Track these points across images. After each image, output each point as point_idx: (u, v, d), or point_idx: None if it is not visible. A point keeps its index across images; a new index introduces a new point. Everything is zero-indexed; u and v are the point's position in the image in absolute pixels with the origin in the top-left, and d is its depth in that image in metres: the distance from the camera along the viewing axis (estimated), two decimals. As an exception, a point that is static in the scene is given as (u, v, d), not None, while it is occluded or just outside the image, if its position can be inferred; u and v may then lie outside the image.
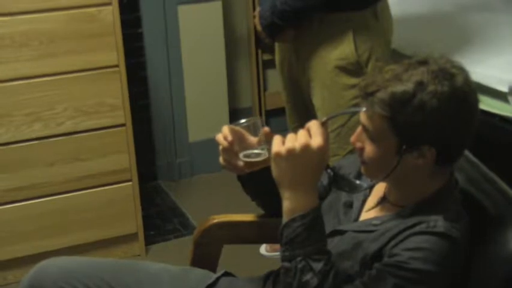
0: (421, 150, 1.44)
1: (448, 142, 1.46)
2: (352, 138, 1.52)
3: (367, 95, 1.45)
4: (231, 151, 1.59)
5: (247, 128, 1.58)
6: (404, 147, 1.44)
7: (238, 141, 1.58)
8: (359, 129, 1.51)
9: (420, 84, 1.41)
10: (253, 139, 1.58)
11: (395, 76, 1.43)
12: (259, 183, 1.70)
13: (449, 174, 1.53)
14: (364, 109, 1.45)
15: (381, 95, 1.42)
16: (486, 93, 2.57)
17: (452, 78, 1.43)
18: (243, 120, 1.59)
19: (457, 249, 1.43)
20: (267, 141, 1.54)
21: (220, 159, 1.62)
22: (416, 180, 1.50)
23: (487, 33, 2.99)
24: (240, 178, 1.72)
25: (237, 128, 1.58)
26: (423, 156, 1.45)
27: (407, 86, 1.41)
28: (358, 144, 1.51)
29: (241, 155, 1.58)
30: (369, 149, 1.49)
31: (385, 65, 1.48)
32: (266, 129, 1.56)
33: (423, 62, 1.45)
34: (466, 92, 1.44)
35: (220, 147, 1.59)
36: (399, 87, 1.41)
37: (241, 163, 1.59)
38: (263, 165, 1.57)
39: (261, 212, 1.86)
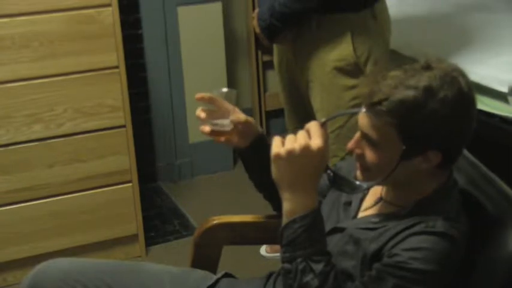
0: (426, 155, 1.44)
1: (453, 145, 1.46)
2: (350, 145, 1.51)
3: (374, 104, 1.43)
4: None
5: (222, 97, 1.66)
6: (409, 152, 1.42)
7: (217, 108, 1.64)
8: (357, 135, 1.50)
9: (429, 91, 1.40)
10: (228, 107, 1.65)
11: (401, 83, 1.42)
12: (255, 156, 1.70)
13: (446, 173, 1.53)
14: (363, 110, 1.45)
15: (389, 104, 1.41)
16: (486, 94, 2.58)
17: (458, 82, 1.43)
18: (224, 89, 1.68)
19: (457, 249, 1.43)
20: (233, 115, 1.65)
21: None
22: (416, 182, 1.50)
23: (487, 33, 2.99)
24: (239, 152, 1.74)
25: (214, 96, 1.65)
26: (428, 160, 1.45)
27: (416, 92, 1.40)
28: (358, 151, 1.50)
29: (212, 121, 1.65)
30: (371, 155, 1.47)
31: (387, 72, 1.45)
32: (236, 110, 1.64)
33: (426, 67, 1.44)
34: (471, 96, 1.45)
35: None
36: (408, 94, 1.40)
37: (207, 128, 1.64)
38: (225, 135, 1.66)
39: (261, 213, 1.86)
